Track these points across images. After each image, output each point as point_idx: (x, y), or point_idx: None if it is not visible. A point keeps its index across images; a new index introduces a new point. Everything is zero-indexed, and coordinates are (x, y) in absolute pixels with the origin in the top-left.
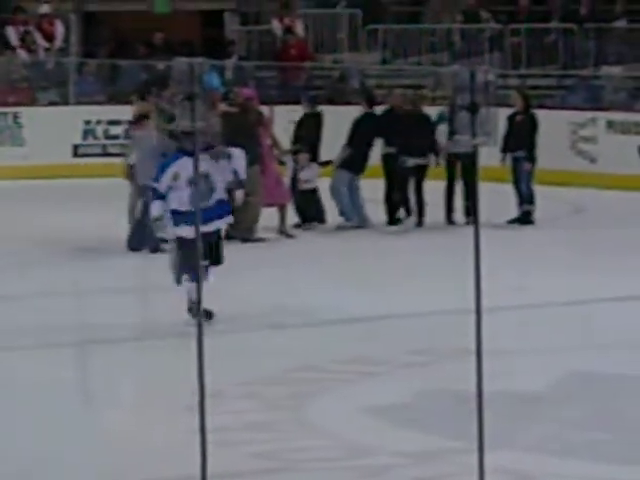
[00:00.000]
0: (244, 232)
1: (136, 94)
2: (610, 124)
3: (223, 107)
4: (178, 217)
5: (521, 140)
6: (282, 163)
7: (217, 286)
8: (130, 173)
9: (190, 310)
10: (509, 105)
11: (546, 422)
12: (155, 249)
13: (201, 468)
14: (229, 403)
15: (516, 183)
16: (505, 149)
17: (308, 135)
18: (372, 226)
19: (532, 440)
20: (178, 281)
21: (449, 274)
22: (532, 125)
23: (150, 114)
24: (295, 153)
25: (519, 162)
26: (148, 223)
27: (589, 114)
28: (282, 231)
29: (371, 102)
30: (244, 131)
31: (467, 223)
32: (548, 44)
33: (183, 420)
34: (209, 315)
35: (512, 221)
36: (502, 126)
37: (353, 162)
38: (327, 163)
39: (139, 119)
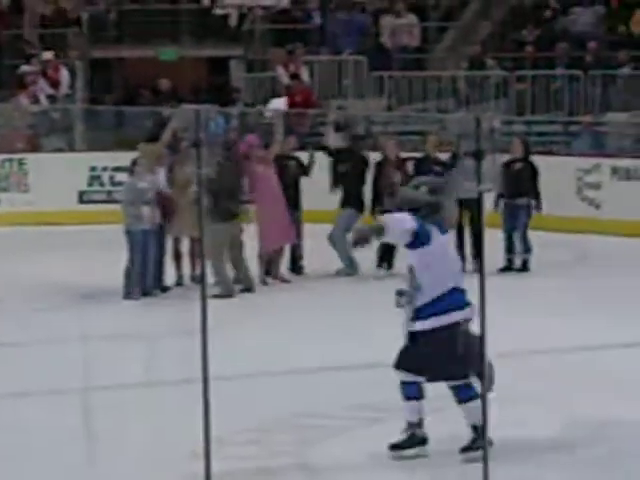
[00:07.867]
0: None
1: (145, 141)
2: (615, 170)
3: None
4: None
5: (520, 188)
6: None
7: (218, 333)
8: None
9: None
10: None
11: (559, 467)
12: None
13: None
14: (233, 449)
15: (510, 231)
16: (500, 195)
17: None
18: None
19: None
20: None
21: None
22: (533, 173)
23: (158, 159)
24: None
25: (519, 210)
26: (133, 269)
27: (594, 160)
28: (276, 276)
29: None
30: (234, 181)
31: (475, 270)
32: (554, 91)
33: (188, 466)
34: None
35: (503, 269)
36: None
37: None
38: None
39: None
